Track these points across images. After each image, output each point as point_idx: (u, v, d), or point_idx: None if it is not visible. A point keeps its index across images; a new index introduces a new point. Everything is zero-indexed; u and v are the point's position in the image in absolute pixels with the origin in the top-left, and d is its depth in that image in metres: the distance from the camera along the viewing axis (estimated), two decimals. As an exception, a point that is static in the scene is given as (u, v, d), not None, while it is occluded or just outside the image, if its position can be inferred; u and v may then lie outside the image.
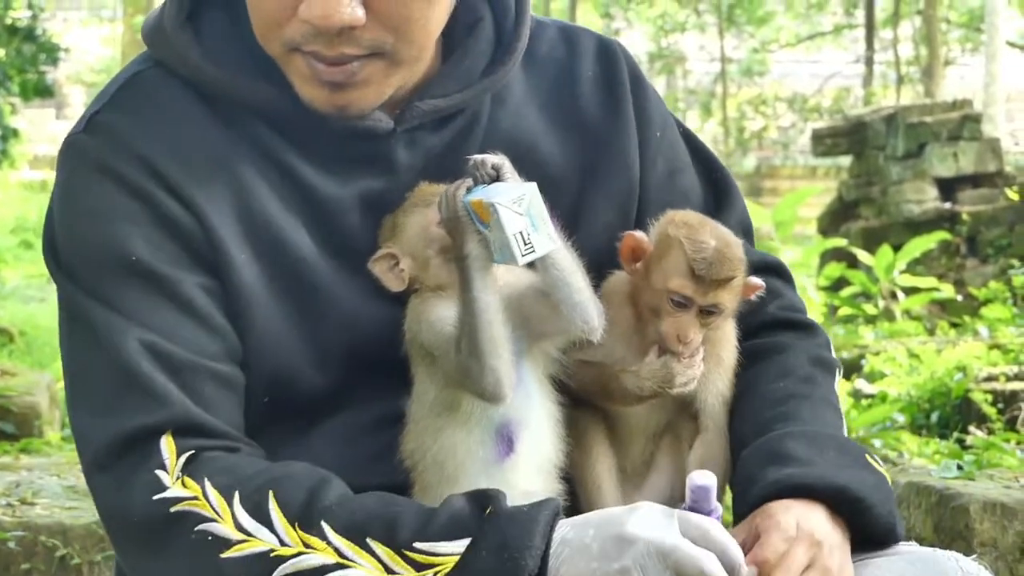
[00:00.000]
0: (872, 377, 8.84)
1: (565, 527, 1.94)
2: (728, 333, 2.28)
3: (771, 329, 2.39)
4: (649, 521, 1.91)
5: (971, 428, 7.28)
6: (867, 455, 2.18)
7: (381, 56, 2.09)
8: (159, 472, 2.00)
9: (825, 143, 17.15)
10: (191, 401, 2.05)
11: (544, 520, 1.92)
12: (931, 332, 11.87)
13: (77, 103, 34.45)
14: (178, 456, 2.01)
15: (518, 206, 2.00)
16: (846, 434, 2.25)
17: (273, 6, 2.06)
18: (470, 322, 2.03)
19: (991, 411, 7.31)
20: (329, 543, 1.94)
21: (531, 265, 2.07)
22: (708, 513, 1.93)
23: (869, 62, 31.65)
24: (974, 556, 2.09)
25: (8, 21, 14.54)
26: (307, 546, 1.94)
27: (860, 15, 33.69)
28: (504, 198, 2.00)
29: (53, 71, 16.50)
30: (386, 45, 2.08)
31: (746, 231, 2.41)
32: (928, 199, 15.58)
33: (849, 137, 16.75)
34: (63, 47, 15.18)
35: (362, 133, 2.17)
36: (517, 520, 1.93)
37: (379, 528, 1.94)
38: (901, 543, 2.12)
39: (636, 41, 34.40)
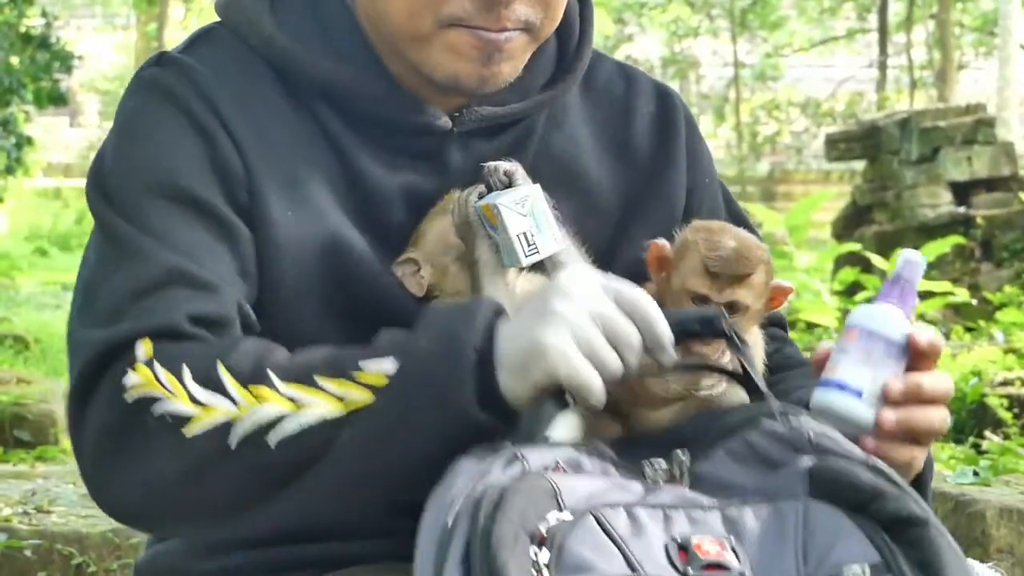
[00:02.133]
0: (887, 382, 8.82)
1: (507, 318, 1.93)
2: (755, 342, 2.28)
3: (788, 361, 2.44)
4: (580, 277, 1.91)
5: (987, 433, 7.28)
6: None
7: (527, 32, 2.15)
8: (129, 368, 1.94)
9: (839, 148, 17.15)
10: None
11: (484, 307, 1.91)
12: (946, 336, 11.86)
13: (91, 111, 34.54)
14: (151, 355, 1.95)
15: (521, 207, 2.02)
16: None
17: None
18: None
19: (1007, 416, 7.30)
20: (280, 393, 1.90)
21: (544, 272, 2.08)
22: (914, 286, 2.03)
23: (882, 66, 31.65)
24: (991, 563, 2.08)
25: (22, 29, 14.58)
26: (259, 399, 1.90)
27: (873, 19, 33.68)
28: (507, 199, 2.02)
29: (67, 79, 16.53)
30: (536, 20, 2.14)
31: None
32: (942, 203, 15.57)
33: (863, 142, 16.75)
34: (77, 55, 15.21)
35: (420, 128, 2.20)
36: (453, 309, 1.94)
37: (323, 366, 1.92)
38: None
39: (649, 46, 34.42)
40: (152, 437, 1.92)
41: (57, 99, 15.21)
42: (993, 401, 7.46)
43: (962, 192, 15.63)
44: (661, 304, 2.21)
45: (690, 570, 1.69)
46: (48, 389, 8.40)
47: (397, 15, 2.13)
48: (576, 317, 1.87)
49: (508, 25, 2.11)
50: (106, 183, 2.13)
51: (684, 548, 1.72)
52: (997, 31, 24.76)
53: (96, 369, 1.96)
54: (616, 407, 2.20)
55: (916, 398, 1.99)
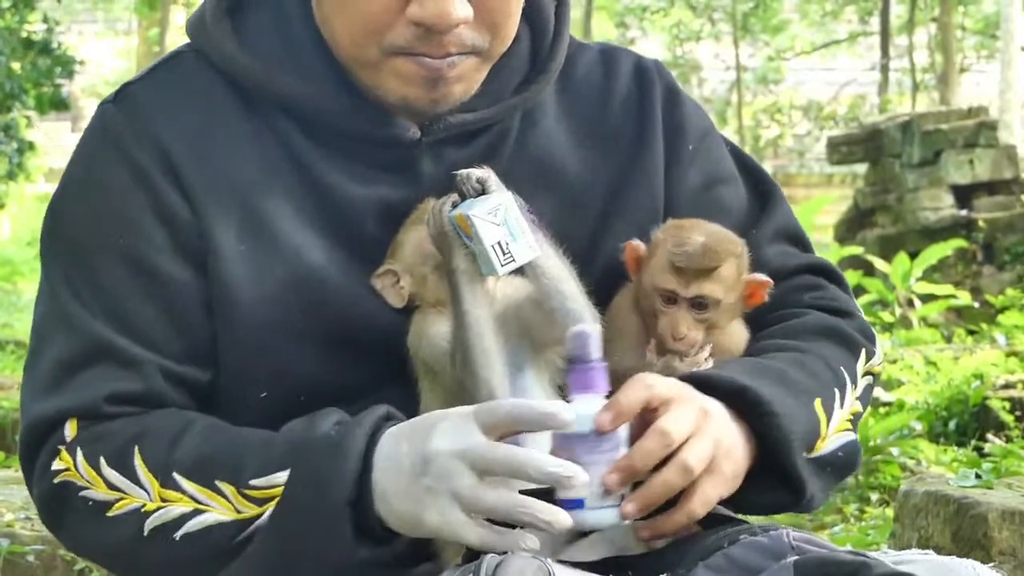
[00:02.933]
0: (889, 385, 8.83)
1: (387, 440, 1.95)
2: (737, 337, 2.27)
3: (797, 309, 2.33)
4: (450, 429, 1.90)
5: (989, 436, 7.28)
6: (819, 400, 2.14)
7: (477, 54, 2.13)
8: (59, 447, 2.07)
9: (841, 151, 17.14)
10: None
11: (356, 443, 1.94)
12: (948, 340, 11.86)
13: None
14: (77, 433, 2.07)
15: (494, 217, 2.02)
16: (838, 402, 2.19)
17: (376, 10, 2.07)
18: (462, 336, 2.05)
19: (1009, 419, 7.30)
20: (184, 492, 2.00)
21: (524, 275, 2.09)
22: (589, 362, 1.91)
23: (884, 69, 31.62)
24: (992, 565, 2.08)
25: (23, 34, 14.60)
26: (164, 500, 2.01)
27: (875, 23, 33.67)
28: (480, 209, 2.02)
29: (68, 84, 16.56)
30: (484, 43, 2.12)
31: (791, 237, 2.39)
32: (944, 206, 15.56)
33: (865, 145, 16.74)
34: (78, 60, 15.24)
35: (388, 140, 2.18)
36: (326, 448, 1.96)
37: (225, 469, 2.00)
38: (900, 552, 2.10)
39: (651, 50, 34.37)
40: (79, 516, 2.05)
41: (59, 104, 15.24)
42: (995, 404, 7.46)
43: (964, 195, 15.62)
44: (641, 305, 2.21)
45: None
46: (50, 394, 8.39)
47: (344, 42, 2.13)
48: (450, 477, 1.88)
49: (452, 50, 2.09)
50: (57, 228, 2.20)
51: None
52: (999, 34, 24.76)
53: (35, 439, 2.10)
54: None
55: (634, 475, 1.93)
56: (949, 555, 2.08)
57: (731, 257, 2.19)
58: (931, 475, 5.59)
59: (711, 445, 1.98)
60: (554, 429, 1.89)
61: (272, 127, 2.18)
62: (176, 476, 2.00)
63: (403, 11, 2.06)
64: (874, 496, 6.67)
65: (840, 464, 2.18)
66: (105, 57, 35.39)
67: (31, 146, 14.59)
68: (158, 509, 2.00)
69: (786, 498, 2.12)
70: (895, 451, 6.84)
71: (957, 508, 4.45)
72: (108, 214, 2.14)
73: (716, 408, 2.03)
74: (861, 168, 18.52)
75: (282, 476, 1.97)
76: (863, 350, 2.28)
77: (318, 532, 1.93)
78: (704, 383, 2.05)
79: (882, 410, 8.01)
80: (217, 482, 1.99)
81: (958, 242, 14.24)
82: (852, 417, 2.22)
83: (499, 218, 2.01)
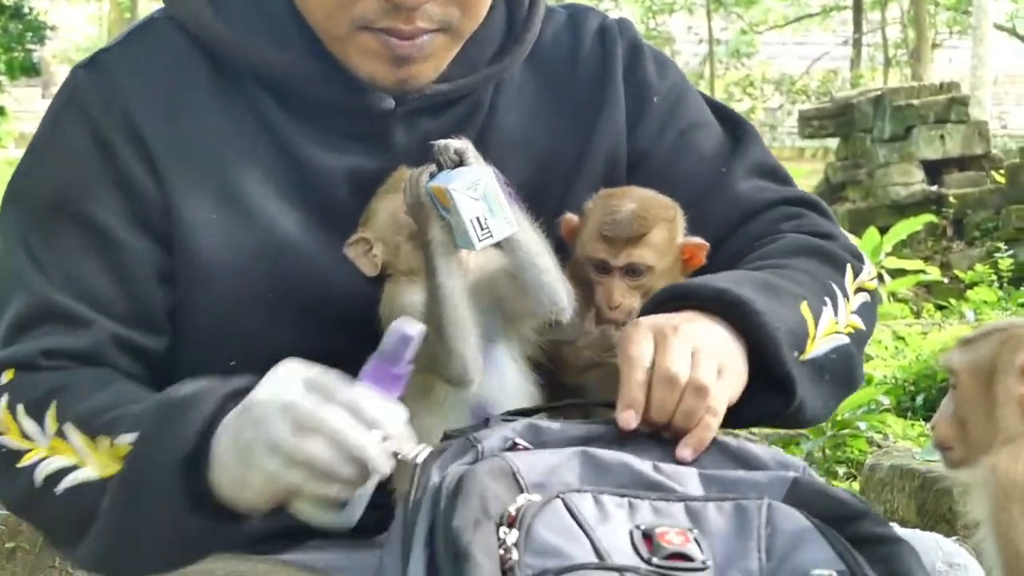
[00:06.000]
0: (858, 359, 8.84)
1: (233, 408, 1.90)
2: None
3: (775, 235, 2.30)
4: (276, 381, 1.85)
5: (956, 410, 7.30)
6: (805, 302, 2.11)
7: (446, 31, 2.14)
8: None
9: (812, 125, 17.18)
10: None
11: (206, 404, 1.90)
12: (917, 314, 11.89)
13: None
14: (9, 381, 2.07)
15: (473, 191, 2.01)
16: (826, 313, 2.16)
17: None
18: (435, 308, 2.04)
19: (976, 394, 7.30)
20: (71, 443, 1.99)
21: (499, 247, 2.08)
22: (399, 365, 1.85)
23: (857, 44, 31.65)
24: (956, 538, 2.09)
25: (-6, -1, 14.52)
26: (54, 448, 2.00)
27: (848, -3, 33.68)
28: (459, 183, 2.01)
29: (40, 49, 16.47)
30: (453, 20, 2.13)
31: (767, 172, 2.38)
32: (915, 182, 15.61)
33: (836, 119, 16.78)
34: (50, 25, 15.18)
35: (361, 110, 2.19)
36: (178, 405, 1.92)
37: (106, 424, 1.98)
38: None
39: (624, 22, 34.28)
40: None
41: (29, 70, 15.18)
42: (963, 379, 7.46)
43: (935, 171, 15.67)
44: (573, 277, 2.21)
45: (654, 559, 1.69)
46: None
47: (315, 15, 2.14)
48: (267, 415, 1.83)
49: (422, 26, 2.10)
50: (17, 189, 2.19)
51: (648, 537, 1.72)
52: (972, 9, 24.79)
53: None
54: (539, 372, 2.20)
55: (654, 424, 1.92)
56: (914, 528, 2.09)
57: (661, 222, 2.19)
58: (898, 449, 5.62)
59: (713, 359, 1.95)
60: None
61: (245, 96, 2.18)
62: (68, 426, 2.00)
63: None
64: (841, 470, 6.69)
65: (837, 369, 2.14)
66: (77, 22, 35.22)
67: (1, 111, 14.54)
68: (47, 458, 1.99)
69: (776, 401, 2.06)
70: (862, 425, 6.85)
71: (922, 482, 4.48)
72: (67, 178, 2.14)
73: (696, 316, 2.00)
74: (832, 142, 18.56)
75: (132, 438, 1.94)
76: (848, 265, 2.26)
77: (153, 489, 1.89)
78: (683, 294, 2.04)
79: (850, 384, 8.02)
80: (99, 436, 1.97)
81: (928, 217, 14.27)
82: (852, 332, 2.20)
83: (478, 192, 2.01)
